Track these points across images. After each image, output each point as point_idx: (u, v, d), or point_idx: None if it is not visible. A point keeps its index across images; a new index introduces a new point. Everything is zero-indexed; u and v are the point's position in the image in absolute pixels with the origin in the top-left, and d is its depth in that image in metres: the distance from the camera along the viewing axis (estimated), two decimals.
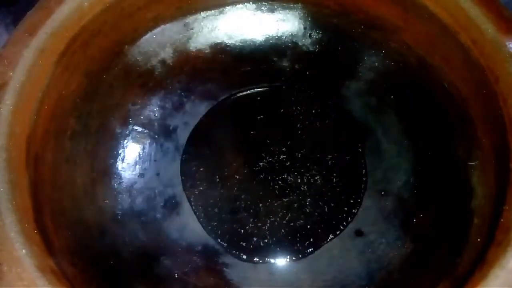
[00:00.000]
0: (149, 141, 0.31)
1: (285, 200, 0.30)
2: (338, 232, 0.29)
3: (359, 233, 0.29)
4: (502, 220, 0.20)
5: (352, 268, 0.28)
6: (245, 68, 0.33)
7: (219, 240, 0.30)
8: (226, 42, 0.33)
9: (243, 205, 0.30)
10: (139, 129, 0.31)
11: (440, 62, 0.27)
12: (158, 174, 0.31)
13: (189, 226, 0.30)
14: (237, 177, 0.31)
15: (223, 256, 0.29)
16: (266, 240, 0.29)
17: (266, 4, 0.32)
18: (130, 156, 0.31)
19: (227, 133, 0.33)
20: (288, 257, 0.29)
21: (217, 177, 0.31)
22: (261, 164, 0.31)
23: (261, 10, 0.32)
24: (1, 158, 0.21)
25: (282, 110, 0.33)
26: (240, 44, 0.33)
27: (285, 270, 0.29)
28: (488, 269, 0.19)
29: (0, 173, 0.21)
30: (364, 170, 0.31)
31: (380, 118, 0.31)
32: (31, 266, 0.19)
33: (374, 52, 0.31)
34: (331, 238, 0.29)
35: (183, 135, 0.32)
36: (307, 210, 0.30)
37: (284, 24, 0.32)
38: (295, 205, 0.30)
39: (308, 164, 0.31)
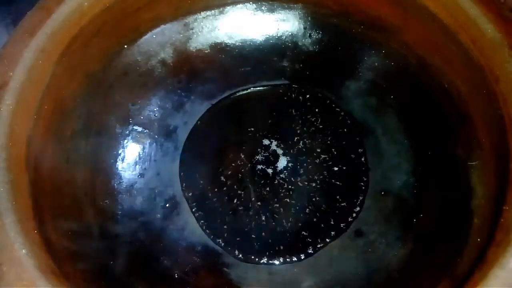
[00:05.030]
0: (149, 141, 0.31)
1: (285, 200, 0.30)
2: (338, 232, 0.29)
3: (359, 233, 0.29)
4: (502, 220, 0.20)
5: (352, 268, 0.28)
6: (245, 68, 0.33)
7: (218, 240, 0.30)
8: (226, 42, 0.33)
9: (242, 205, 0.30)
10: (139, 129, 0.31)
11: (440, 62, 0.27)
12: (158, 174, 0.31)
13: (189, 226, 0.30)
14: (236, 177, 0.31)
15: (223, 256, 0.29)
16: (266, 240, 0.29)
17: (266, 4, 0.32)
18: (130, 156, 0.31)
19: (227, 133, 0.33)
20: (288, 257, 0.29)
21: (217, 176, 0.31)
22: (261, 164, 0.31)
23: (261, 10, 0.32)
24: (1, 158, 0.21)
25: (282, 110, 0.33)
26: (240, 44, 0.33)
27: (285, 270, 0.29)
28: (488, 269, 0.19)
29: (0, 173, 0.21)
30: (364, 171, 0.31)
31: (380, 118, 0.31)
32: (31, 266, 0.19)
33: (374, 52, 0.31)
34: (331, 238, 0.29)
35: (183, 135, 0.32)
36: (307, 210, 0.30)
37: (284, 24, 0.32)
38: (295, 205, 0.30)
39: (307, 165, 0.31)
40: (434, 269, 0.24)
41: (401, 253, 0.27)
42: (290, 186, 0.31)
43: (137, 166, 0.31)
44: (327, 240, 0.29)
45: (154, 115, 0.32)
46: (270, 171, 0.31)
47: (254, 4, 0.32)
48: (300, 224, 0.30)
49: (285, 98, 0.33)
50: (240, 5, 0.32)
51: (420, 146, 0.29)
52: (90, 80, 0.28)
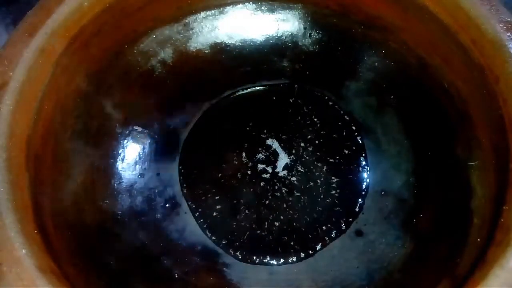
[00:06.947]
0: (149, 141, 0.31)
1: (285, 200, 0.30)
2: (338, 233, 0.29)
3: (359, 233, 0.29)
4: (502, 220, 0.20)
5: (352, 268, 0.28)
6: (245, 68, 0.33)
7: (218, 240, 0.30)
8: (226, 42, 0.33)
9: (242, 205, 0.30)
10: (139, 129, 0.31)
11: (440, 62, 0.27)
12: (158, 174, 0.31)
13: (189, 226, 0.30)
14: (237, 177, 0.31)
15: (223, 256, 0.29)
16: (265, 240, 0.29)
17: (266, 4, 0.32)
18: (130, 156, 0.31)
19: (227, 133, 0.33)
20: (288, 257, 0.29)
21: (217, 177, 0.31)
22: (261, 163, 0.31)
23: (261, 10, 0.32)
24: (1, 158, 0.21)
25: (282, 111, 0.33)
26: (240, 44, 0.33)
27: (285, 270, 0.29)
28: (488, 269, 0.19)
29: (0, 173, 0.21)
30: (365, 171, 0.31)
31: (380, 118, 0.31)
32: (31, 266, 0.19)
33: (374, 52, 0.31)
34: (331, 238, 0.29)
35: (183, 135, 0.32)
36: (307, 210, 0.30)
37: (284, 24, 0.32)
38: (295, 205, 0.30)
39: (308, 165, 0.31)
40: (434, 269, 0.24)
41: (401, 253, 0.27)
42: (290, 186, 0.31)
43: (137, 166, 0.31)
44: (327, 240, 0.29)
45: (154, 116, 0.32)
46: (270, 170, 0.31)
47: (254, 4, 0.32)
48: (300, 224, 0.30)
49: (285, 98, 0.33)
50: (240, 5, 0.32)
51: (420, 146, 0.29)
52: (90, 80, 0.28)
